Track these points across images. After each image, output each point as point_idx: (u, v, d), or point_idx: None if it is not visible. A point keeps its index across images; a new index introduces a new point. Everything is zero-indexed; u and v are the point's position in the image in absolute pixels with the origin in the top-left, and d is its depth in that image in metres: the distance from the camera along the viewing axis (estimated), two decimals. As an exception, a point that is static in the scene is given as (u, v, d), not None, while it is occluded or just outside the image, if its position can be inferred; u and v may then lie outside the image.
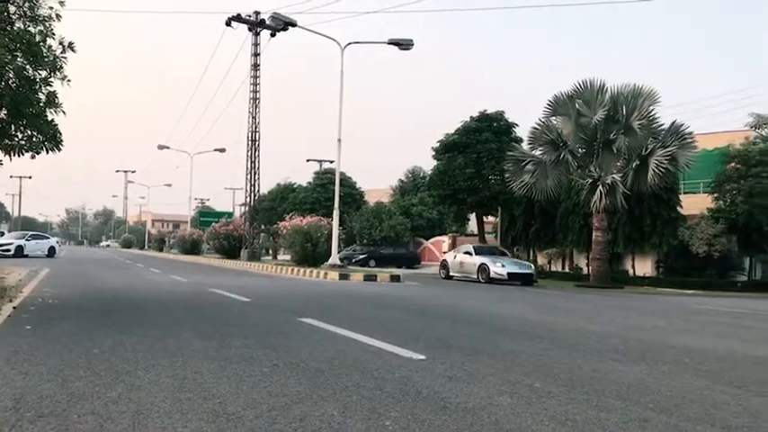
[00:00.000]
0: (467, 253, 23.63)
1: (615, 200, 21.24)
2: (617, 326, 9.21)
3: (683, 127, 21.51)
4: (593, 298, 15.94)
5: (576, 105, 22.12)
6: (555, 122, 22.91)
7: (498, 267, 21.65)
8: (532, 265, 23.62)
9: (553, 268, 29.33)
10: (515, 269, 21.83)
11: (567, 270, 28.62)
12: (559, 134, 22.43)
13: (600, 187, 21.28)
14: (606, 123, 21.73)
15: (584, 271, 26.16)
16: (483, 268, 21.96)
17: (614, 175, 21.36)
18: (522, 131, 27.74)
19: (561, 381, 4.55)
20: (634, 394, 4.22)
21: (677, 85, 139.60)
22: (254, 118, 36.50)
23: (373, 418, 3.38)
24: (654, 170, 20.61)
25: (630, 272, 25.44)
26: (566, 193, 25.64)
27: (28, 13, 8.23)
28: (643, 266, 25.88)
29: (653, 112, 21.55)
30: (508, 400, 3.88)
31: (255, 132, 36.72)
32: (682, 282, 23.13)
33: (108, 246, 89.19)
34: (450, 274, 24.01)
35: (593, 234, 22.09)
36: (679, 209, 25.19)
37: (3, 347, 5.24)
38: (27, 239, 35.00)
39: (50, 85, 8.69)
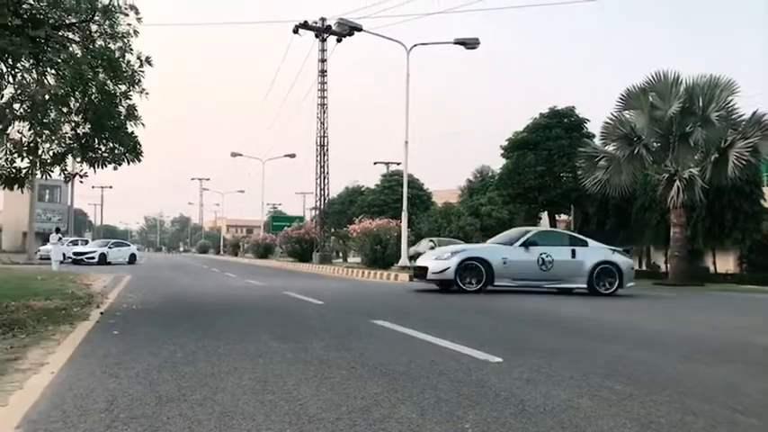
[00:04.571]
0: None
1: (693, 194, 20.54)
2: (699, 325, 8.91)
3: (765, 117, 20.60)
4: (673, 296, 15.46)
5: (650, 98, 21.49)
6: (628, 116, 22.31)
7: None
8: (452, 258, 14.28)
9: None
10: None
11: (644, 268, 27.89)
12: (633, 128, 21.85)
13: (677, 182, 20.61)
14: (682, 116, 21.04)
15: (662, 269, 25.45)
16: None
17: (692, 169, 20.65)
18: (594, 127, 27.21)
19: (642, 383, 4.44)
20: (720, 396, 4.08)
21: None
22: (322, 123, 37.04)
23: (452, 421, 3.39)
24: (734, 162, 19.83)
25: (711, 269, 24.58)
26: (641, 189, 25.00)
27: (108, 30, 8.55)
28: (725, 263, 24.98)
29: (732, 103, 20.76)
30: (588, 403, 3.82)
31: (324, 137, 37.26)
32: (767, 278, 22.18)
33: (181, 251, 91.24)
34: None
35: (671, 230, 21.41)
36: (762, 202, 24.20)
37: (95, 352, 5.50)
38: (110, 247, 36.43)
39: (130, 99, 9.01)
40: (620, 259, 14.86)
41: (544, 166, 27.45)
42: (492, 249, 15.03)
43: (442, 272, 14.23)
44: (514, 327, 8.23)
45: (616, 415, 3.56)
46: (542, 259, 14.46)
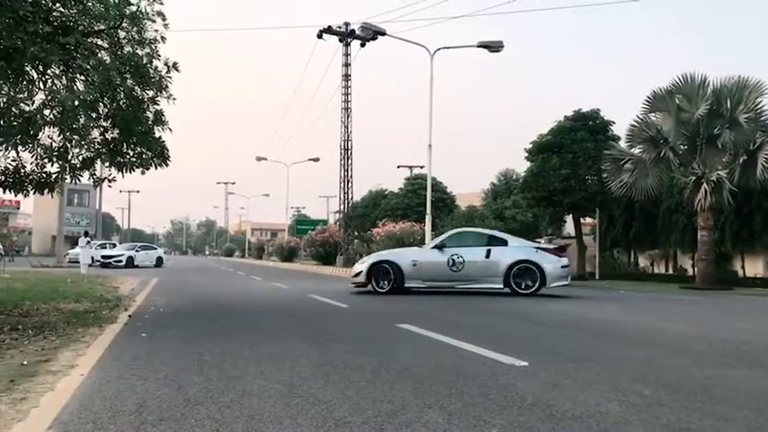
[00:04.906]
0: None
1: (721, 197, 20.25)
2: (728, 330, 8.78)
3: (796, 119, 20.24)
4: (700, 300, 15.25)
5: (676, 100, 21.23)
6: (654, 119, 22.09)
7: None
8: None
9: (656, 270, 28.27)
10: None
11: (670, 272, 27.54)
12: (659, 131, 21.61)
13: (704, 185, 20.33)
14: (709, 118, 20.77)
15: (689, 272, 25.11)
16: None
17: (719, 172, 20.35)
18: (620, 129, 26.93)
19: (672, 388, 4.38)
20: (753, 402, 4.02)
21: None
22: (346, 127, 37.12)
23: (479, 426, 3.38)
24: (763, 165, 19.51)
25: (740, 273, 24.17)
26: (667, 192, 24.70)
27: (136, 37, 8.67)
28: (754, 267, 24.56)
29: (761, 105, 20.42)
30: (617, 408, 3.78)
31: (348, 141, 37.34)
32: (798, 282, 21.77)
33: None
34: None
35: (699, 234, 21.12)
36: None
37: (123, 354, 5.57)
38: (137, 250, 36.88)
39: (157, 104, 9.14)
40: (543, 258, 14.58)
41: (569, 169, 27.18)
42: (403, 253, 15.73)
43: (356, 275, 15.18)
44: (539, 330, 8.18)
45: (646, 421, 3.52)
46: (453, 260, 14.61)
